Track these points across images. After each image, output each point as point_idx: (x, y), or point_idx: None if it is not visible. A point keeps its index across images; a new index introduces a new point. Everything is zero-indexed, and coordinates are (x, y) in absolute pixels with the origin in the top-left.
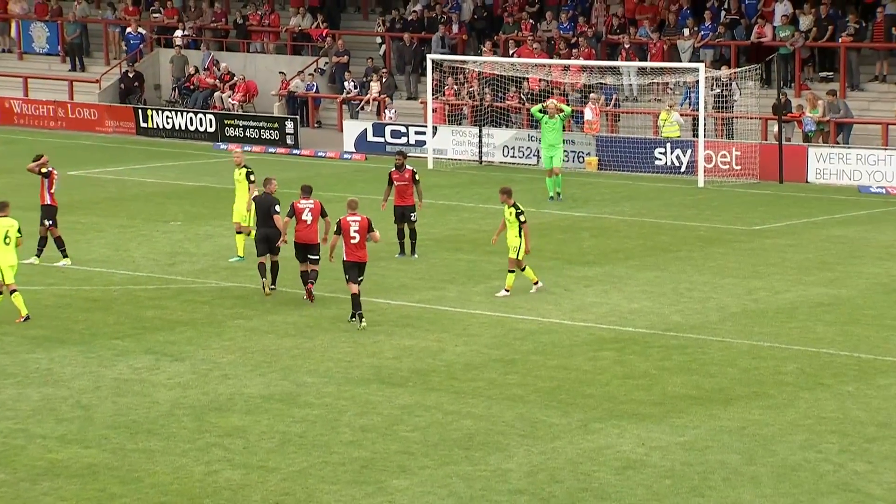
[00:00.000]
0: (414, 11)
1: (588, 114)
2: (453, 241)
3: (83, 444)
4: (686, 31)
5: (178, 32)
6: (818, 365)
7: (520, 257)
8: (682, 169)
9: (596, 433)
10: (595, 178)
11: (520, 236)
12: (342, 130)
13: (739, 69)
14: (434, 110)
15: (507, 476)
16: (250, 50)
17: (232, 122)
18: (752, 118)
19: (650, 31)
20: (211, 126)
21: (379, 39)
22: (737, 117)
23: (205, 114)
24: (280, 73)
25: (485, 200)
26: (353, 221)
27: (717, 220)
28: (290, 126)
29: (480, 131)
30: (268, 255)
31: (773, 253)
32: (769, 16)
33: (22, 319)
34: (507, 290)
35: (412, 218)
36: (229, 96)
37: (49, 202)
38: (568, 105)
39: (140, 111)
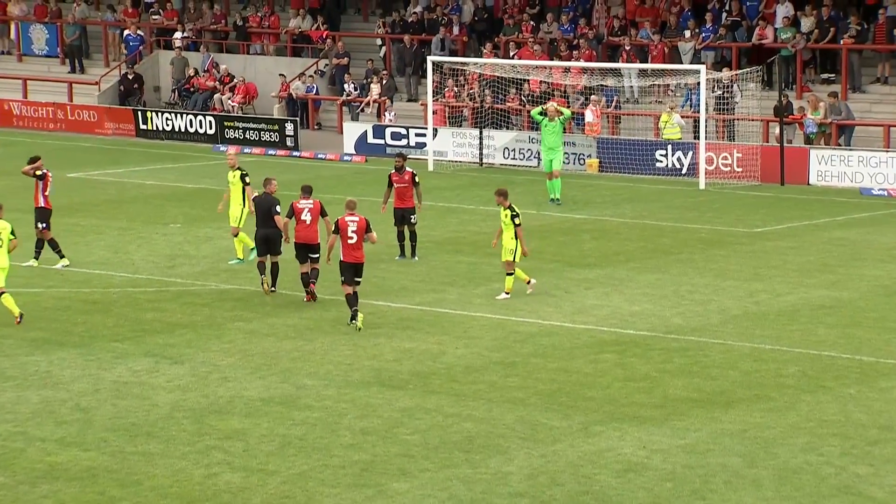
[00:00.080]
0: (414, 13)
1: (589, 116)
2: (454, 244)
3: (82, 446)
4: (687, 33)
5: (178, 34)
6: (820, 368)
7: (516, 260)
8: (684, 171)
9: (597, 436)
10: (596, 181)
11: (515, 238)
12: (342, 132)
13: (741, 71)
14: (434, 112)
15: (508, 479)
16: (250, 52)
17: (232, 124)
18: (753, 120)
19: (651, 33)
20: (211, 128)
21: (379, 41)
22: (738, 119)
23: (204, 116)
24: (280, 74)
25: (485, 203)
26: (352, 221)
27: (718, 222)
28: (290, 128)
29: (481, 133)
30: (268, 255)
31: (775, 255)
32: (770, 17)
33: (18, 320)
34: (508, 293)
35: (412, 220)
36: (229, 98)
37: (43, 205)
38: (568, 107)
39: (140, 113)
